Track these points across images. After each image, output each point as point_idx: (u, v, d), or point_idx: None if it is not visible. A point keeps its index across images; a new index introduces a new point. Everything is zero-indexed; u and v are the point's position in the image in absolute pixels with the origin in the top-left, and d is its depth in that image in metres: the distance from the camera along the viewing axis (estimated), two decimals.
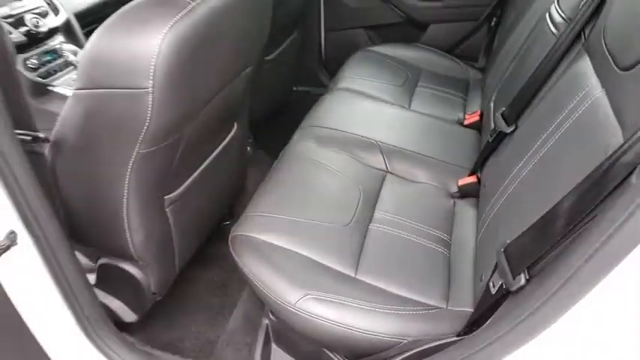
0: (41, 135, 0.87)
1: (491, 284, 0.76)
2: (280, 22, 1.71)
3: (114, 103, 0.83)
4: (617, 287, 0.54)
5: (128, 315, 1.16)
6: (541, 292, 0.59)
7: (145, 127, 0.84)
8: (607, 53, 0.79)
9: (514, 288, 0.69)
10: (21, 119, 0.83)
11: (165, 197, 1.07)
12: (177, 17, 0.80)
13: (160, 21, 0.79)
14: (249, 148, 1.59)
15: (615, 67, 0.75)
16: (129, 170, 0.90)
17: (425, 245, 1.09)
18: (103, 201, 0.96)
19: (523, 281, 0.68)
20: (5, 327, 0.84)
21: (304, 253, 1.00)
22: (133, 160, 0.89)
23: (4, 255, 0.79)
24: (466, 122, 1.55)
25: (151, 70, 0.78)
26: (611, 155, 0.60)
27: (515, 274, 0.70)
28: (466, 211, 1.22)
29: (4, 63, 0.81)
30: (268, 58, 1.74)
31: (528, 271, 0.69)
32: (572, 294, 0.55)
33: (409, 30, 2.03)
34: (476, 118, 1.54)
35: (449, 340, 0.84)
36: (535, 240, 0.69)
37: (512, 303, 0.69)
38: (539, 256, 0.67)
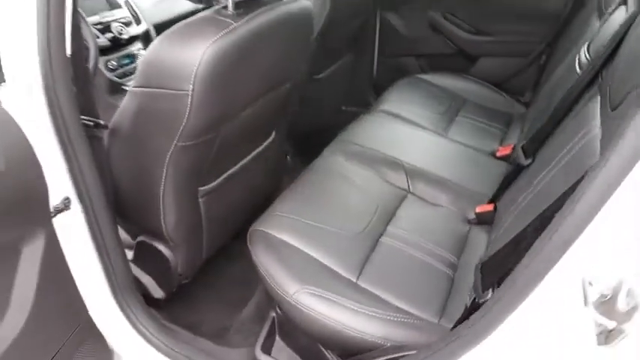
0: (102, 122, 1.04)
1: (467, 298, 0.81)
2: (332, 45, 1.83)
3: (160, 100, 0.98)
4: (541, 303, 0.58)
5: (156, 291, 1.30)
6: (489, 303, 0.63)
7: (183, 124, 0.98)
8: (608, 93, 0.82)
9: (482, 301, 0.74)
10: (87, 107, 1.00)
11: (200, 188, 1.20)
12: (220, 35, 0.94)
13: (205, 37, 0.94)
14: (288, 158, 1.71)
15: (609, 107, 0.78)
16: (168, 158, 1.05)
17: (431, 264, 1.13)
18: (144, 183, 1.11)
19: (490, 295, 0.73)
20: (57, 274, 1.00)
21: (312, 253, 1.09)
22: (171, 150, 1.04)
23: (59, 215, 0.96)
24: (498, 154, 1.57)
25: (192, 76, 0.93)
26: (571, 186, 0.64)
27: (484, 289, 0.74)
28: (479, 237, 1.25)
29: (80, 61, 0.99)
30: (317, 77, 1.86)
31: (498, 286, 0.73)
32: (505, 309, 0.59)
33: (459, 61, 2.08)
34: (509, 150, 1.56)
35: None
36: (506, 257, 0.73)
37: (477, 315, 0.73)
38: (505, 272, 0.71)
